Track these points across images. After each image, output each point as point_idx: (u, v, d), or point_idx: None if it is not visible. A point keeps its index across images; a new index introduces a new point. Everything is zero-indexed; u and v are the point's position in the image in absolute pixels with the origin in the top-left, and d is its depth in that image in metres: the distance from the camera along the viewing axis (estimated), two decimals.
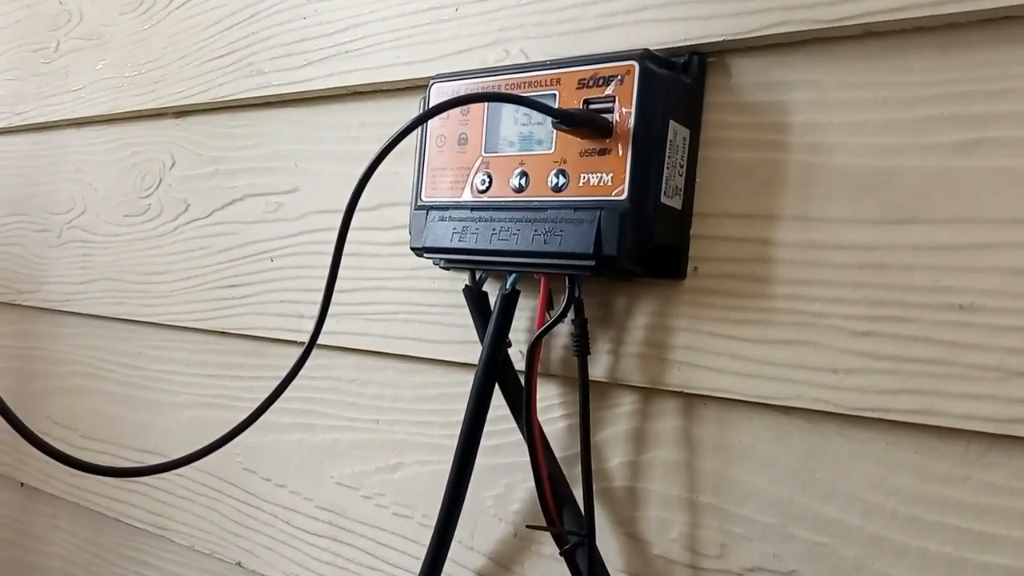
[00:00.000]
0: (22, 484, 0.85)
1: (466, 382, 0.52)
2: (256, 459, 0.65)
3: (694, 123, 0.43)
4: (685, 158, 0.42)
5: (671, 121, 0.41)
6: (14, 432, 0.35)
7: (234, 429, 0.46)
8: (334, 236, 0.59)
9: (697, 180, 0.43)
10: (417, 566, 0.50)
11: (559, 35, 0.47)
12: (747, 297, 0.41)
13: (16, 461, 0.86)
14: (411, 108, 0.56)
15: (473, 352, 0.51)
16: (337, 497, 0.59)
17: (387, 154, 0.40)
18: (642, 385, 0.44)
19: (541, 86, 0.44)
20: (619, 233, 0.40)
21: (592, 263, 0.41)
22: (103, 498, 0.76)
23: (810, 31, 0.39)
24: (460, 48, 0.52)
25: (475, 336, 0.50)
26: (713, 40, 0.42)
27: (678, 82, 0.42)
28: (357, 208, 0.58)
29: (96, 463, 0.39)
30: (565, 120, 0.40)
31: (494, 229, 0.45)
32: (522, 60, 0.49)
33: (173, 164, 0.71)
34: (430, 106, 0.48)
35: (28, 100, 0.85)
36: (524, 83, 0.45)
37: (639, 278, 0.44)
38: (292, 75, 0.61)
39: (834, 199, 0.39)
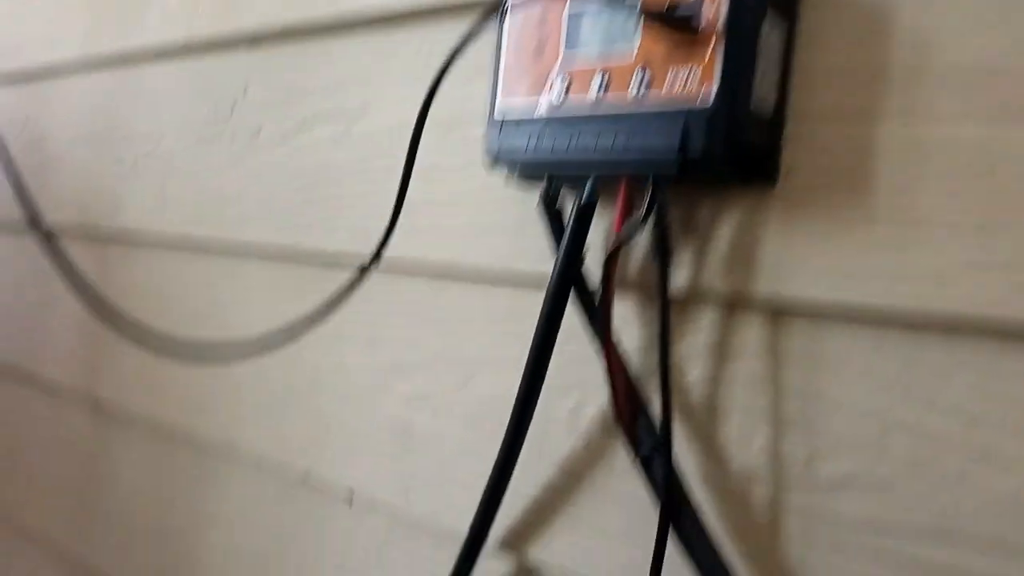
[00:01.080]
0: (98, 404, 0.87)
1: (538, 298, 0.51)
2: (324, 374, 0.65)
3: (791, 19, 0.40)
4: (780, 56, 0.40)
5: (766, 16, 0.39)
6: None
7: (305, 318, 0.46)
8: (402, 152, 0.58)
9: (792, 79, 0.40)
10: (483, 481, 0.49)
11: None
12: (844, 201, 0.39)
13: (90, 377, 0.87)
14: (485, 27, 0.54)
15: (546, 265, 0.49)
16: (405, 411, 0.59)
17: (455, 59, 0.38)
18: (726, 296, 0.42)
19: None
20: (706, 135, 0.38)
21: (677, 162, 0.39)
22: (174, 413, 0.77)
23: None
24: None
25: (548, 250, 0.48)
26: None
27: None
28: (429, 129, 0.57)
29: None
30: (652, 16, 0.38)
31: (572, 135, 0.43)
32: None
33: (246, 90, 0.71)
34: (507, 18, 0.46)
35: (105, 34, 0.85)
36: None
37: (725, 186, 0.42)
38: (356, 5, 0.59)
39: (943, 95, 0.36)
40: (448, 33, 0.56)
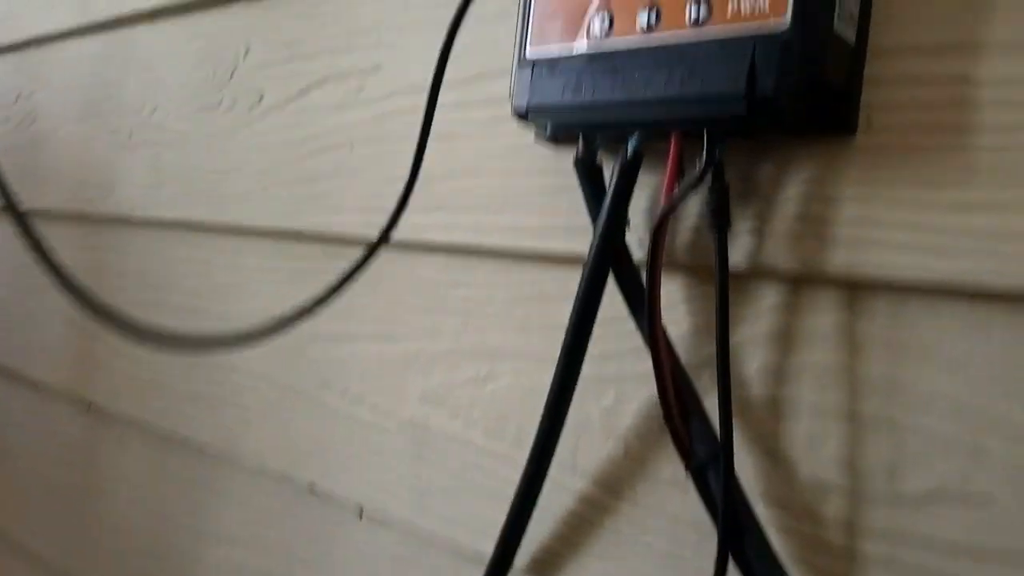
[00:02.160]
0: (90, 406, 0.84)
1: (571, 279, 0.46)
2: (332, 372, 0.61)
3: None
4: None
5: None
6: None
7: (311, 303, 0.42)
8: (418, 117, 0.54)
9: (873, 6, 0.35)
10: (510, 491, 0.44)
11: None
12: (939, 151, 0.34)
13: (85, 379, 0.85)
14: None
15: (581, 242, 0.45)
16: (420, 412, 0.55)
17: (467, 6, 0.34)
18: (793, 272, 0.37)
19: None
20: (779, 66, 0.34)
21: (743, 107, 0.34)
22: (171, 416, 0.74)
23: None
24: None
25: (583, 223, 0.44)
26: None
27: None
28: (448, 85, 0.53)
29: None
30: None
31: (616, 78, 0.38)
32: None
33: (247, 51, 0.68)
34: None
35: None
36: None
37: (793, 137, 0.37)
38: None
39: None
40: None
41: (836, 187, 0.36)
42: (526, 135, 0.48)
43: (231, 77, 0.69)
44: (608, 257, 0.40)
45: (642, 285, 0.41)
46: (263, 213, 0.65)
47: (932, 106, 0.34)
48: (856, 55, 0.35)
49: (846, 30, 0.35)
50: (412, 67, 0.55)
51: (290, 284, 0.64)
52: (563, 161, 0.46)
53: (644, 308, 0.41)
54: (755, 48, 0.34)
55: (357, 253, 0.59)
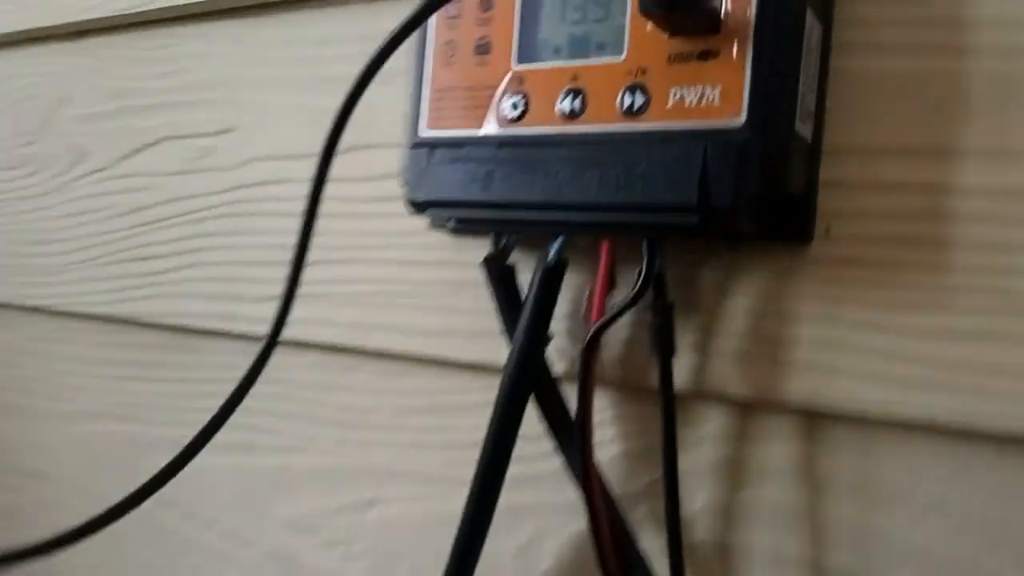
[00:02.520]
0: None
1: (473, 388, 0.40)
2: (175, 488, 0.51)
3: (827, 15, 0.31)
4: (818, 67, 0.31)
5: (807, 9, 0.30)
6: None
7: (172, 463, 0.34)
8: (285, 190, 0.46)
9: (828, 100, 0.31)
10: None
11: None
12: (912, 269, 0.30)
13: None
14: (391, 17, 0.43)
15: (486, 347, 0.39)
16: (288, 543, 0.46)
17: (377, 69, 0.28)
18: (744, 397, 0.33)
19: None
20: (736, 173, 0.29)
21: (696, 219, 0.29)
22: None
23: None
24: None
25: (486, 325, 0.38)
26: None
27: None
28: (316, 153, 0.46)
29: None
30: (650, 4, 0.28)
31: (534, 173, 0.32)
32: None
33: (65, 100, 0.57)
34: None
35: None
36: None
37: (739, 244, 0.33)
38: None
39: None
40: (343, 26, 0.45)
41: (791, 303, 0.32)
42: (412, 218, 0.41)
43: (44, 130, 0.58)
44: (528, 377, 0.34)
45: (566, 408, 0.35)
46: (87, 295, 0.55)
47: (901, 216, 0.30)
48: (813, 155, 0.31)
49: (804, 129, 0.30)
50: (271, 131, 0.47)
51: (124, 380, 0.54)
52: (464, 251, 0.40)
53: (570, 437, 0.35)
54: (707, 150, 0.29)
55: (208, 344, 0.50)
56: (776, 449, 0.33)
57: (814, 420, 0.32)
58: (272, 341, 0.33)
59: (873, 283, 0.30)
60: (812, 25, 0.30)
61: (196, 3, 0.49)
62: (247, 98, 0.48)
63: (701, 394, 0.34)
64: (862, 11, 0.31)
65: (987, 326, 0.28)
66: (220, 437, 0.49)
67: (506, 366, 0.34)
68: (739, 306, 0.33)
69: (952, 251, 0.29)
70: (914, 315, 0.30)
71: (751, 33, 0.29)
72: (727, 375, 0.33)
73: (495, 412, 0.34)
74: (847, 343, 0.31)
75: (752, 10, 0.29)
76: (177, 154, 0.51)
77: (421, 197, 0.35)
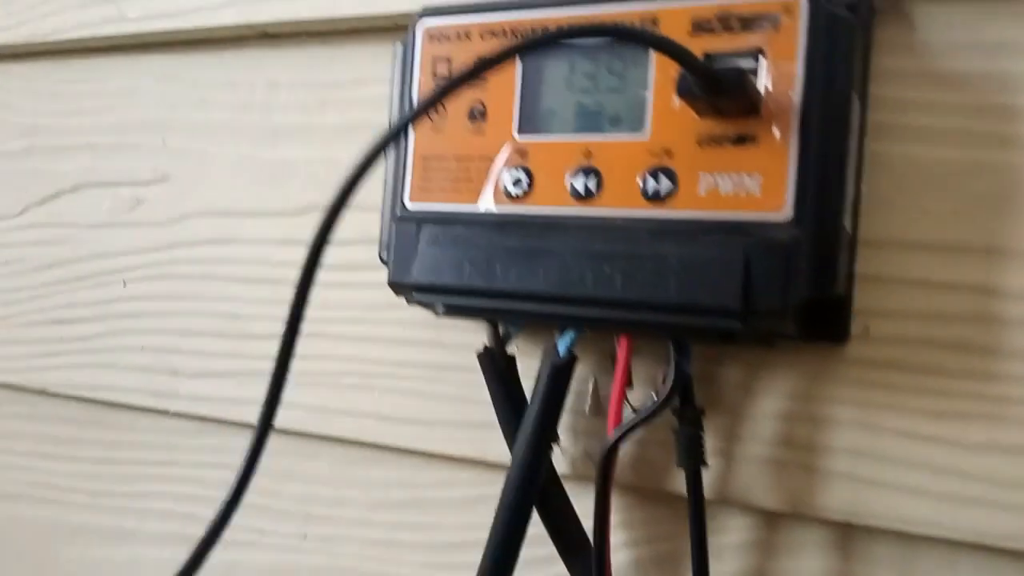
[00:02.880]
0: None
1: (457, 482, 0.37)
2: None
3: (864, 94, 0.29)
4: (858, 152, 0.28)
5: (853, 88, 0.27)
6: None
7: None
8: (230, 251, 0.41)
9: (864, 189, 0.29)
10: None
11: None
12: (958, 377, 0.28)
13: None
14: (359, 60, 0.39)
15: (472, 438, 0.35)
16: None
17: (394, 138, 0.23)
18: (774, 507, 0.30)
19: None
20: (784, 276, 0.26)
21: (738, 323, 0.26)
22: None
23: None
24: None
25: (473, 415, 0.34)
26: None
27: (856, 32, 0.27)
28: (271, 211, 0.41)
29: None
30: (709, 82, 0.25)
31: (543, 259, 0.29)
32: None
33: None
34: (414, 51, 0.32)
35: None
36: (591, 21, 0.29)
37: (768, 344, 0.30)
38: (161, 4, 0.42)
39: None
40: (296, 68, 0.40)
41: (826, 407, 0.29)
42: (385, 288, 0.37)
43: None
44: (535, 483, 0.31)
45: (574, 519, 0.32)
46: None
47: (947, 318, 0.28)
48: (852, 247, 0.29)
49: (847, 220, 0.28)
50: (212, 183, 0.42)
51: (38, 458, 0.48)
52: (446, 330, 0.36)
53: (572, 542, 0.32)
54: (749, 247, 0.26)
55: (136, 421, 0.45)
56: (808, 563, 0.30)
57: (850, 533, 0.29)
58: (265, 426, 0.28)
59: (917, 389, 0.28)
60: (855, 107, 0.27)
61: (125, 34, 0.43)
62: (184, 144, 0.43)
63: (725, 501, 0.31)
64: (900, 93, 0.28)
65: None
66: (156, 526, 0.44)
67: (511, 470, 0.30)
68: (768, 408, 0.30)
69: (1003, 359, 0.27)
70: (962, 426, 0.27)
71: (796, 117, 0.26)
72: (754, 483, 0.30)
73: (498, 522, 0.31)
74: (889, 454, 0.28)
75: (797, 92, 0.26)
76: (100, 203, 0.45)
77: (408, 280, 0.31)
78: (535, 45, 0.22)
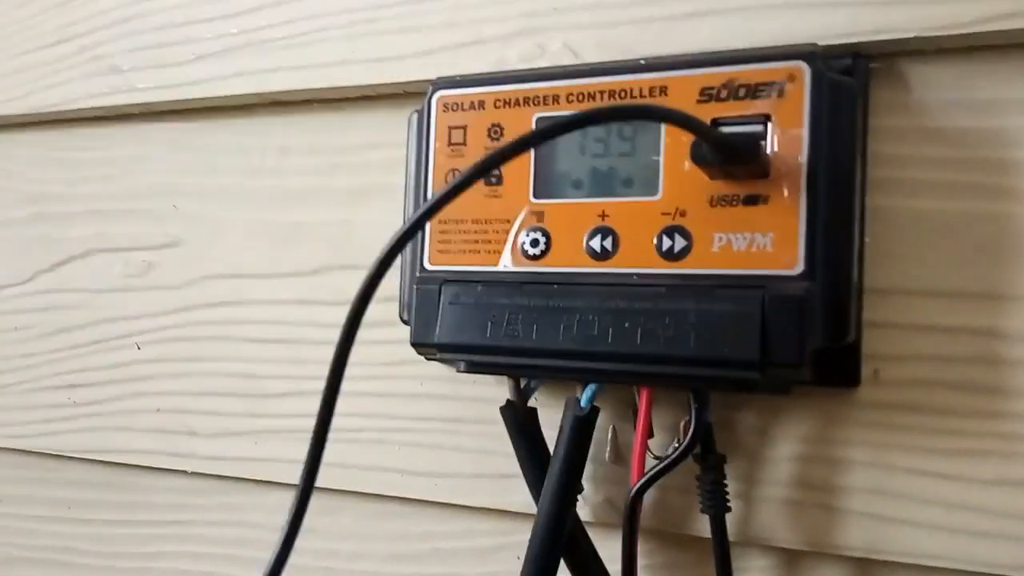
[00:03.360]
0: None
1: (476, 532, 0.38)
2: None
3: (864, 153, 0.30)
4: (861, 207, 0.30)
5: (857, 146, 0.29)
6: None
7: None
8: (244, 313, 0.42)
9: (867, 239, 0.30)
10: None
11: (631, 23, 0.34)
12: (966, 416, 0.29)
13: None
14: (369, 125, 0.40)
15: (491, 489, 0.36)
16: None
17: (447, 202, 0.24)
18: (795, 546, 0.31)
19: (632, 97, 0.30)
20: (799, 328, 0.27)
21: (756, 374, 0.27)
22: None
23: None
24: (458, 39, 0.37)
25: (492, 466, 0.35)
26: (894, 36, 0.30)
27: (856, 95, 0.29)
28: (283, 273, 0.42)
29: None
30: (724, 150, 0.27)
31: (562, 318, 0.30)
32: (568, 59, 0.35)
33: None
34: (430, 120, 0.33)
35: None
36: (602, 92, 0.31)
37: (793, 388, 0.31)
38: (170, 74, 0.43)
39: None
40: (307, 134, 0.42)
41: (841, 449, 0.31)
42: (403, 344, 0.37)
43: None
44: (562, 534, 0.32)
45: (602, 569, 0.33)
46: (5, 427, 0.48)
47: (952, 360, 0.29)
48: (860, 298, 0.30)
49: (856, 271, 0.29)
50: (224, 247, 0.43)
51: (52, 519, 0.48)
52: (463, 384, 0.37)
53: None
54: (765, 301, 0.27)
55: (152, 481, 0.45)
56: None
57: (869, 568, 0.31)
58: (308, 487, 0.29)
59: (927, 429, 0.29)
60: (858, 165, 0.29)
61: (133, 103, 0.44)
62: (195, 209, 0.44)
63: (747, 542, 0.32)
64: (898, 150, 0.30)
65: None
66: None
67: (537, 521, 0.31)
68: (785, 452, 0.31)
69: (1008, 398, 0.29)
70: (973, 463, 0.29)
71: (804, 178, 0.28)
72: (775, 523, 0.31)
73: (527, 572, 0.31)
74: (903, 491, 0.30)
75: (804, 154, 0.28)
76: (110, 269, 0.46)
77: (432, 340, 0.32)
78: (553, 134, 0.24)
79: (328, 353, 0.41)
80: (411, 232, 0.25)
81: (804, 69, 0.28)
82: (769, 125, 0.28)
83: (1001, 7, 0.28)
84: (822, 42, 0.30)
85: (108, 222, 0.46)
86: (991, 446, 0.29)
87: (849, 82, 0.28)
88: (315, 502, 0.41)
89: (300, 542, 0.41)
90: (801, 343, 0.27)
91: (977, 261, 0.29)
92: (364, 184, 0.40)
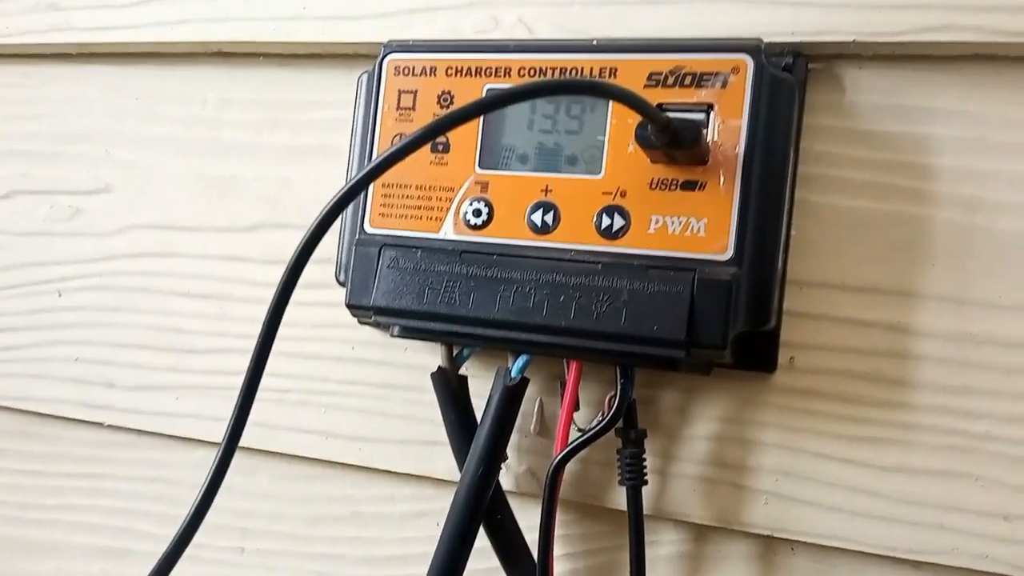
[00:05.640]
0: None
1: (398, 497, 0.38)
2: None
3: (796, 149, 0.32)
4: (791, 200, 0.32)
5: (790, 147, 0.30)
6: None
7: None
8: (172, 265, 0.42)
9: (793, 232, 0.32)
10: None
11: (586, 5, 0.35)
12: (872, 405, 0.31)
13: None
14: (315, 84, 0.40)
15: (414, 455, 0.37)
16: None
17: (393, 163, 0.25)
18: (705, 522, 0.33)
19: (582, 75, 0.31)
20: (725, 311, 0.29)
21: (682, 353, 0.29)
22: None
23: (979, 44, 0.30)
24: (413, 4, 0.37)
25: (417, 432, 0.36)
26: (834, 39, 0.31)
27: (794, 92, 0.31)
28: (216, 228, 0.42)
29: None
30: (668, 134, 0.28)
31: (500, 289, 0.31)
32: (522, 33, 0.35)
33: None
34: (380, 83, 0.34)
35: None
36: (553, 68, 0.32)
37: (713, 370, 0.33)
38: (112, 15, 0.42)
39: (1004, 277, 0.30)
40: (250, 87, 0.41)
41: (754, 429, 0.32)
42: (336, 307, 0.38)
43: None
44: (484, 499, 0.32)
45: (518, 533, 0.34)
46: None
47: (863, 352, 0.31)
48: (782, 287, 0.32)
49: (781, 261, 0.31)
50: (157, 197, 0.43)
51: None
52: (394, 349, 0.38)
53: (517, 557, 0.34)
54: (695, 283, 0.29)
55: (69, 432, 0.44)
56: (734, 573, 0.33)
57: (773, 545, 0.33)
58: (231, 445, 0.29)
59: (835, 416, 0.31)
60: (791, 160, 0.31)
61: (71, 43, 0.43)
62: (128, 156, 0.43)
63: (660, 516, 0.33)
64: (828, 148, 0.32)
65: (945, 465, 0.30)
66: (87, 539, 0.44)
67: (460, 486, 0.32)
68: (702, 431, 0.33)
69: (912, 391, 0.31)
70: (875, 450, 0.31)
71: (739, 169, 0.29)
72: (688, 499, 0.33)
73: (446, 535, 0.32)
74: (809, 474, 0.31)
75: (741, 146, 0.29)
76: (34, 211, 0.45)
77: (368, 302, 0.33)
78: (503, 102, 0.24)
79: (257, 311, 0.41)
80: (355, 191, 0.26)
81: (748, 62, 0.29)
82: (711, 114, 0.30)
83: (934, 19, 0.30)
84: (766, 39, 0.31)
85: (35, 163, 0.45)
86: (893, 435, 0.31)
87: (789, 79, 0.30)
88: (235, 461, 0.41)
89: (218, 500, 0.42)
90: (726, 326, 0.29)
91: (893, 259, 0.31)
92: (306, 143, 0.40)
